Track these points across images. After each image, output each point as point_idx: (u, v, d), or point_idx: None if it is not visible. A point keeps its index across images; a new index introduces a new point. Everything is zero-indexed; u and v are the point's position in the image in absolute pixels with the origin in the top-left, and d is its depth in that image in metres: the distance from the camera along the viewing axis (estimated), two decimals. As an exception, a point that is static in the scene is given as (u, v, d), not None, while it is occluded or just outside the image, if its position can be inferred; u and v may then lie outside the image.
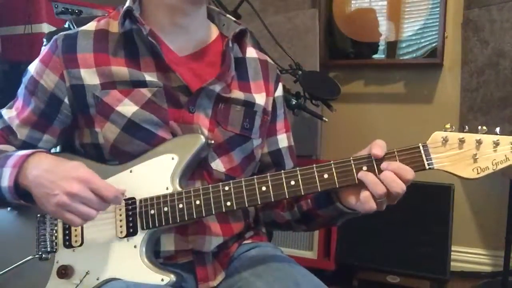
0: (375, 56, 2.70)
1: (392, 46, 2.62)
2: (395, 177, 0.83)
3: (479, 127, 0.84)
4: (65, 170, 0.87)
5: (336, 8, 2.69)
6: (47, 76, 0.98)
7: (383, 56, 2.66)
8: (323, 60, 2.61)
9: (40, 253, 0.98)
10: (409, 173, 0.84)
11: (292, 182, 0.89)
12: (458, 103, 2.49)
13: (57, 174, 0.86)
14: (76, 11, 2.40)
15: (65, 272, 0.95)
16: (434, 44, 2.51)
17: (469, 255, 2.58)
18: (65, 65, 0.97)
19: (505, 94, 2.27)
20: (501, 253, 2.22)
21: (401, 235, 2.19)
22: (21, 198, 0.92)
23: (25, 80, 1.03)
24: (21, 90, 1.03)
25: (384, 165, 0.85)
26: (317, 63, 2.50)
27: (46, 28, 2.34)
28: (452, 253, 2.20)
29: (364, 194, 0.85)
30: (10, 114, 1.03)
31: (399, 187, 0.83)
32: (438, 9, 2.47)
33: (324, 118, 2.12)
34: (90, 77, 0.96)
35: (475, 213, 2.57)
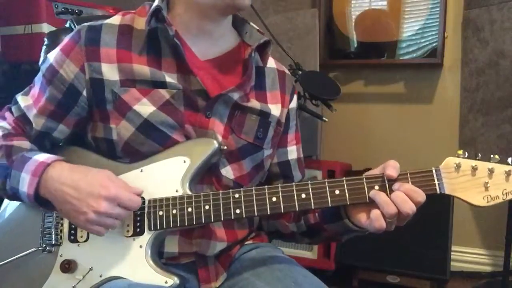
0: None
1: (392, 46, 2.62)
2: (406, 198, 0.83)
3: (492, 156, 0.85)
4: (90, 185, 0.87)
5: (336, 8, 2.69)
6: (67, 67, 0.97)
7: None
8: (323, 60, 2.61)
9: (44, 245, 0.97)
10: (420, 195, 0.84)
11: (303, 195, 0.88)
12: (458, 103, 2.50)
13: (82, 191, 0.87)
14: (76, 11, 2.40)
15: (68, 266, 0.95)
16: (434, 44, 2.51)
17: (469, 255, 2.59)
18: (86, 57, 0.96)
19: (505, 94, 2.27)
20: (501, 253, 2.22)
21: (401, 235, 2.18)
22: (41, 206, 0.93)
23: (43, 68, 1.01)
24: (38, 78, 1.02)
25: (396, 185, 0.85)
26: (317, 63, 2.50)
27: (46, 28, 2.34)
28: (452, 253, 2.20)
29: (375, 212, 0.85)
30: (26, 102, 1.01)
31: (410, 208, 0.83)
32: (438, 9, 2.47)
33: (324, 118, 2.12)
34: (110, 72, 0.96)
35: (475, 213, 2.57)
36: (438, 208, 2.21)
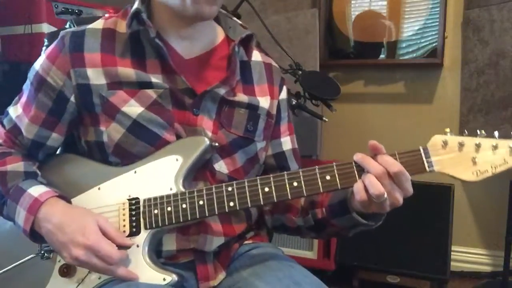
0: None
1: (392, 46, 2.62)
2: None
3: (478, 131, 0.85)
4: (74, 231, 0.89)
5: (336, 8, 2.69)
6: (54, 74, 0.98)
7: (383, 56, 2.66)
8: (323, 60, 2.61)
9: (42, 251, 0.98)
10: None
11: (295, 184, 0.89)
12: (458, 103, 2.50)
13: (66, 235, 0.90)
14: (76, 11, 2.40)
15: (67, 270, 0.96)
16: (434, 44, 2.51)
17: (469, 255, 2.59)
18: (72, 64, 0.97)
19: (505, 94, 2.27)
20: (501, 253, 2.22)
21: (401, 235, 2.19)
22: (36, 241, 0.96)
23: (30, 76, 1.02)
24: (26, 86, 1.03)
25: None
26: (317, 63, 2.50)
27: (46, 28, 2.35)
28: (452, 253, 2.20)
29: (357, 186, 0.86)
30: (17, 112, 1.03)
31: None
32: (438, 9, 2.47)
33: (324, 118, 2.12)
34: (96, 77, 0.96)
35: (475, 213, 2.57)
36: (438, 208, 2.21)
